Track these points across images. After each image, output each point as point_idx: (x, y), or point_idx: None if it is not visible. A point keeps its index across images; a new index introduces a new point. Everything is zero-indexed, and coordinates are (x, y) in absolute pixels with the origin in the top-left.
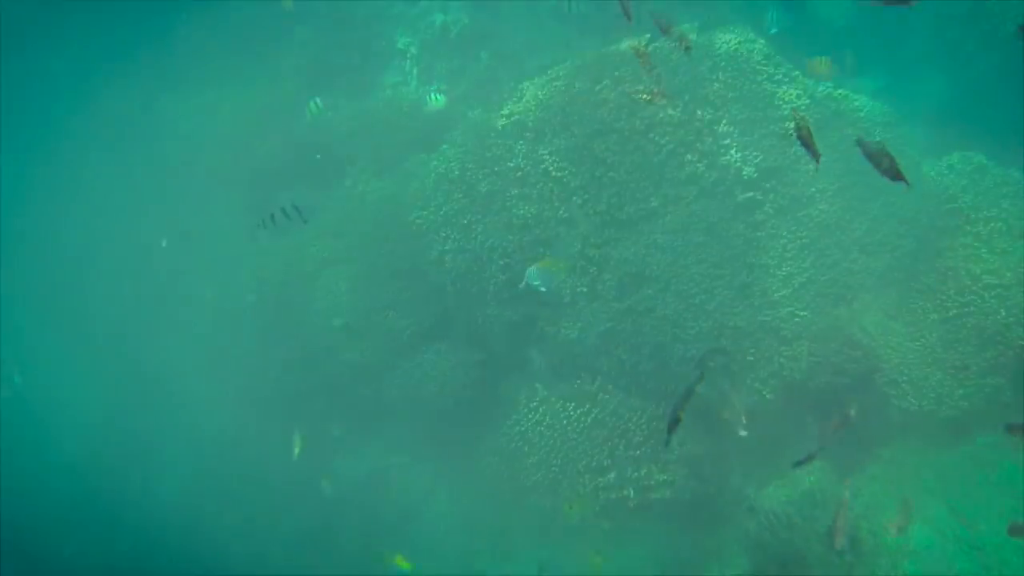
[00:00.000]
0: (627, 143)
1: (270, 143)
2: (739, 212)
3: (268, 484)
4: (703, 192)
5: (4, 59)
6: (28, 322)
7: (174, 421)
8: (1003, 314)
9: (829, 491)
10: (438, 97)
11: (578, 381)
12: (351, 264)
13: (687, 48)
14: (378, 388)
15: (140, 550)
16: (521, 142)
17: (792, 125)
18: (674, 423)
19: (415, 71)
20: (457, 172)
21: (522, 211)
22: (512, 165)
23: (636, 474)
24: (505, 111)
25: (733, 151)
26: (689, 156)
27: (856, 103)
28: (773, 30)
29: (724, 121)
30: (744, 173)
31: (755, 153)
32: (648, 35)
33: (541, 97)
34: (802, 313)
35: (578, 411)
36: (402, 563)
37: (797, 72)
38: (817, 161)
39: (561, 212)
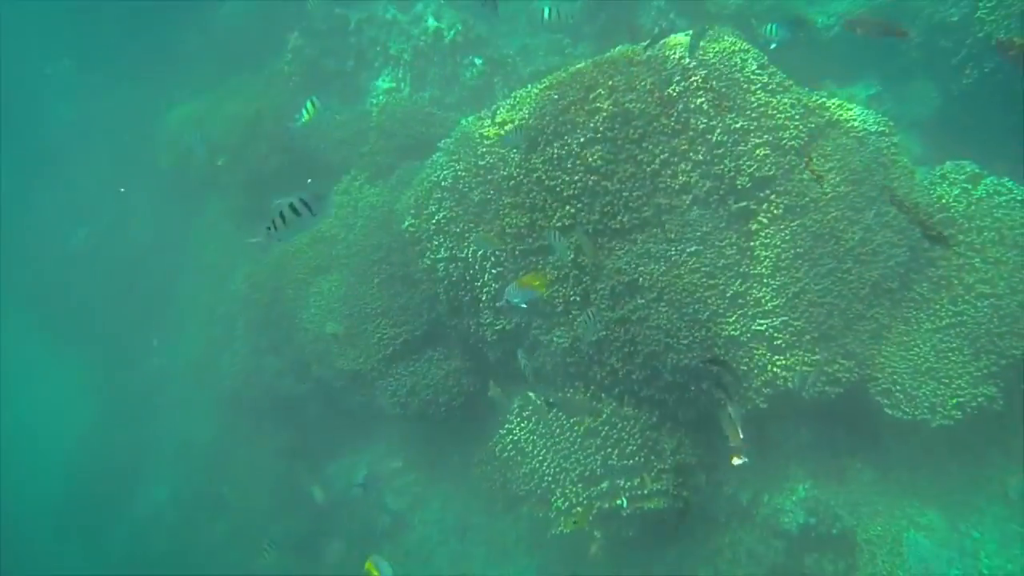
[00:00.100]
0: (621, 152)
1: (262, 149)
2: (733, 222)
3: (260, 492)
4: (697, 201)
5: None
6: (16, 326)
7: (165, 428)
8: (996, 324)
9: (824, 500)
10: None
11: (571, 390)
12: (343, 271)
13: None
14: (370, 395)
15: (131, 558)
16: (514, 151)
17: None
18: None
19: (408, 77)
20: (450, 180)
21: (515, 220)
22: (505, 174)
23: (629, 483)
24: (498, 119)
25: (727, 160)
26: (683, 165)
27: (850, 112)
28: (773, 46)
29: (718, 130)
30: (738, 183)
31: (749, 163)
32: (646, 42)
33: (535, 105)
34: (796, 323)
35: (571, 420)
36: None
37: (791, 81)
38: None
39: (554, 221)
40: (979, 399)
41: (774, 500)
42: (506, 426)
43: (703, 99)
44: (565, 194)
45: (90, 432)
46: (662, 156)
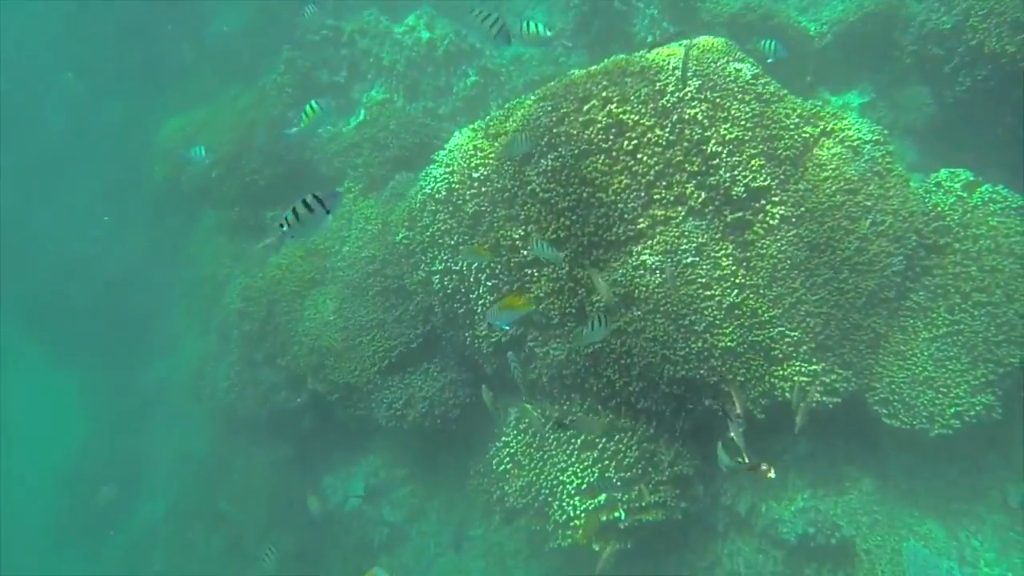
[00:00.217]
0: (615, 163)
1: (255, 161)
2: (729, 232)
3: (256, 504)
4: (692, 212)
5: None
6: (13, 337)
7: (161, 440)
8: (994, 332)
9: (823, 510)
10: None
11: (567, 402)
12: (338, 284)
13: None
14: (366, 408)
15: (128, 570)
16: (508, 162)
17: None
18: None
19: (401, 88)
20: (444, 192)
21: (510, 232)
22: (499, 186)
23: (627, 496)
24: (492, 131)
25: (722, 171)
26: (678, 176)
27: (845, 122)
28: (770, 60)
29: (713, 141)
30: (733, 193)
31: (744, 173)
32: (643, 51)
33: (528, 117)
34: (793, 333)
35: (567, 432)
36: None
37: (785, 91)
38: None
39: (549, 233)
40: (977, 408)
41: (772, 510)
42: (502, 439)
43: (698, 109)
44: (560, 206)
45: (86, 444)
46: (657, 167)
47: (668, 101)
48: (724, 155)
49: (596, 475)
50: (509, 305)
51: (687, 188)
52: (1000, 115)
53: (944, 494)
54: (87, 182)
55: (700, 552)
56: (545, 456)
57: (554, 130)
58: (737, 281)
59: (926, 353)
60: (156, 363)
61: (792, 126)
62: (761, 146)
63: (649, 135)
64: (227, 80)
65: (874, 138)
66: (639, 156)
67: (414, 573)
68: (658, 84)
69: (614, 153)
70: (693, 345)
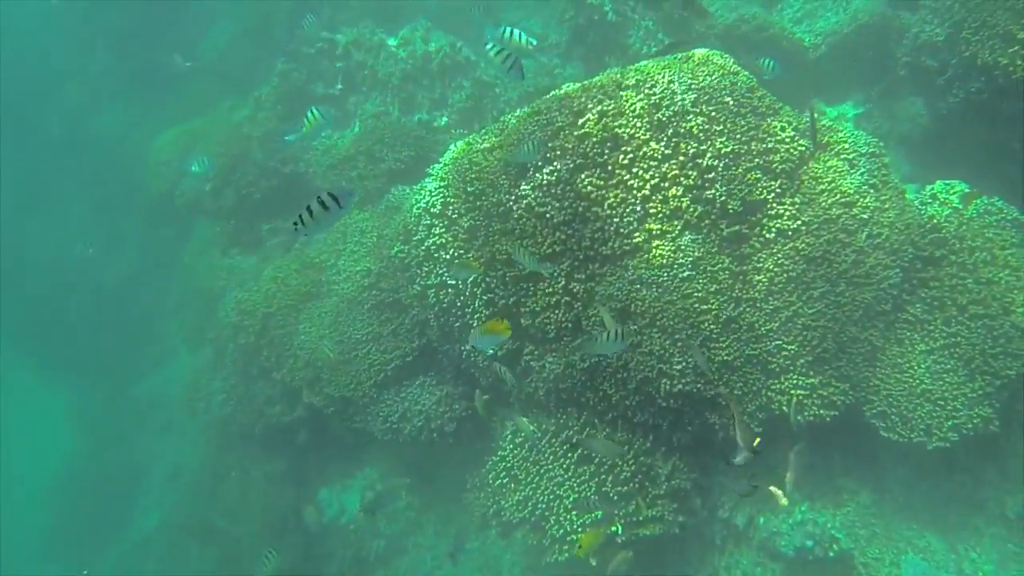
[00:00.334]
0: (611, 177)
1: (250, 174)
2: (725, 246)
3: (251, 518)
4: (688, 226)
5: None
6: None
7: (156, 453)
8: (990, 344)
9: (821, 523)
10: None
11: (563, 416)
12: (333, 297)
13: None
14: (362, 421)
15: None
16: (503, 177)
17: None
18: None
19: (396, 101)
20: (439, 206)
21: (505, 247)
22: (494, 200)
23: (624, 510)
24: (487, 144)
25: (718, 185)
26: (674, 190)
27: (840, 135)
28: (767, 76)
29: (709, 155)
30: (729, 207)
31: (740, 186)
32: (639, 64)
33: (523, 131)
34: (790, 347)
35: (564, 446)
36: None
37: (780, 103)
38: None
39: (544, 248)
40: (975, 420)
41: (770, 523)
42: (499, 452)
43: (693, 123)
44: (555, 220)
45: (79, 457)
46: (653, 181)
47: (664, 115)
48: (720, 168)
49: (593, 489)
50: (491, 330)
51: (683, 202)
52: (993, 127)
53: (942, 506)
54: (80, 193)
55: (697, 565)
56: (542, 470)
57: (549, 144)
58: (734, 295)
59: (923, 366)
60: (149, 376)
61: (788, 139)
62: (757, 159)
63: (645, 149)
64: (221, 91)
65: (870, 151)
66: (635, 170)
67: None
68: (653, 97)
69: (609, 167)
70: (690, 359)
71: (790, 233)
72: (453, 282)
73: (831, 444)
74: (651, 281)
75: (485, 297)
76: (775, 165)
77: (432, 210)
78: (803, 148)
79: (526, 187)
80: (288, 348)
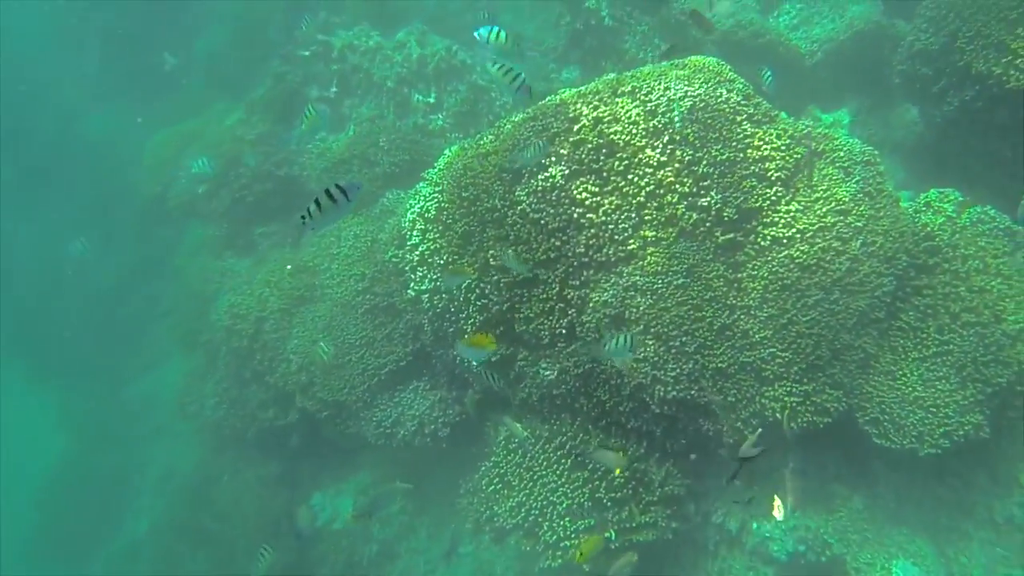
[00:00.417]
0: (606, 184)
1: (244, 177)
2: (719, 253)
3: (243, 522)
4: (683, 233)
5: None
6: None
7: (147, 457)
8: (982, 352)
9: (813, 528)
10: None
11: (557, 422)
12: (327, 301)
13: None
14: (356, 426)
15: None
16: (498, 183)
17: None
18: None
19: (392, 104)
20: (433, 211)
21: (499, 252)
22: (489, 205)
23: (617, 517)
24: (482, 149)
25: (713, 192)
26: (669, 197)
27: (836, 143)
28: (765, 87)
29: (704, 162)
30: (724, 214)
31: (736, 194)
32: (635, 70)
33: (519, 136)
34: (784, 354)
35: (558, 452)
36: None
37: (776, 111)
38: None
39: (539, 254)
40: (966, 427)
41: (763, 528)
42: (492, 459)
43: (689, 130)
44: (550, 227)
45: (69, 460)
46: (648, 188)
47: (659, 121)
48: (715, 176)
49: (587, 496)
50: (476, 343)
51: (678, 209)
52: (986, 136)
53: (933, 511)
54: (72, 195)
55: (691, 570)
56: (535, 476)
57: (545, 150)
58: (728, 302)
59: (916, 373)
60: (140, 379)
61: (783, 147)
62: (752, 167)
63: (640, 155)
64: (216, 93)
65: (865, 159)
66: (630, 176)
67: None
68: (649, 104)
69: (605, 173)
70: (684, 366)
71: (785, 241)
72: (447, 287)
73: (824, 450)
74: (646, 288)
75: (479, 303)
76: (770, 173)
77: (426, 215)
78: (798, 156)
79: (521, 193)
80: (281, 352)
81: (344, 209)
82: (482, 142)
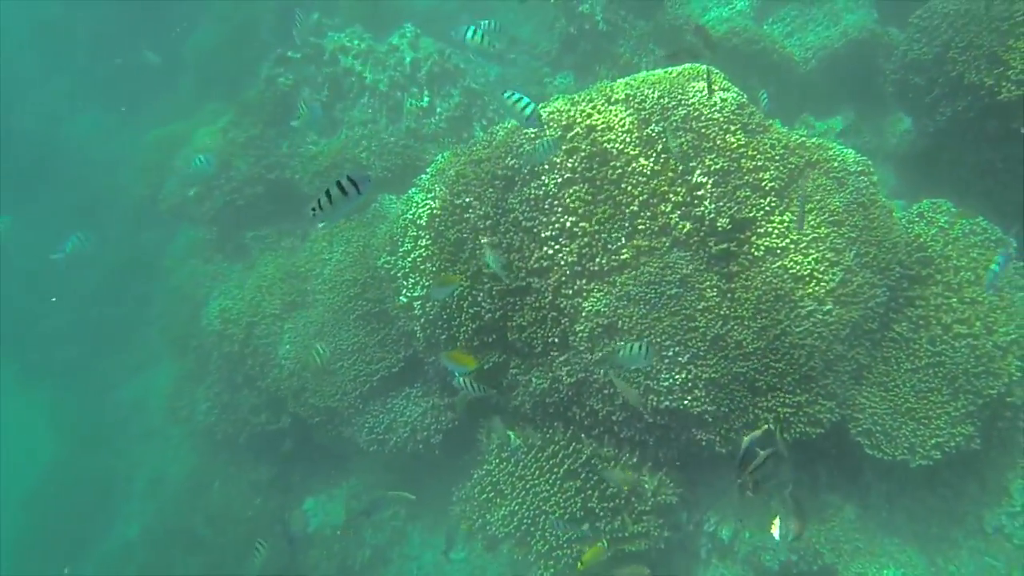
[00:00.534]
0: (599, 192)
1: (235, 180)
2: (714, 263)
3: (235, 527)
4: (677, 243)
5: None
6: None
7: (138, 461)
8: (973, 364)
9: (805, 537)
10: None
11: (550, 431)
12: (318, 307)
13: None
14: (348, 432)
15: None
16: (491, 190)
17: None
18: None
19: (384, 108)
20: (425, 218)
21: (491, 260)
22: (482, 212)
23: (610, 526)
24: (475, 156)
25: (707, 202)
26: (663, 207)
27: (830, 152)
28: (762, 108)
29: (698, 172)
30: (718, 224)
31: (730, 204)
32: (629, 77)
33: (512, 143)
34: (777, 365)
35: (550, 461)
36: None
37: (770, 121)
38: None
39: (531, 262)
40: (957, 439)
41: (756, 537)
42: (484, 467)
43: (683, 139)
44: (543, 235)
45: (58, 463)
46: (641, 197)
47: (653, 130)
48: (709, 186)
49: (579, 505)
50: (457, 359)
51: (672, 218)
52: (978, 146)
53: (923, 521)
54: (61, 196)
55: None
56: (527, 485)
57: None
58: (721, 312)
59: (908, 384)
60: (130, 382)
61: (778, 157)
62: (747, 177)
63: (634, 164)
64: (206, 95)
65: (858, 169)
66: (623, 185)
67: None
68: (643, 112)
69: (598, 182)
70: (677, 376)
71: (779, 251)
72: (439, 294)
73: (817, 460)
74: (639, 297)
75: (472, 310)
76: (765, 183)
77: (418, 221)
78: (793, 166)
79: (514, 200)
80: (273, 357)
81: (354, 201)
82: (475, 148)
